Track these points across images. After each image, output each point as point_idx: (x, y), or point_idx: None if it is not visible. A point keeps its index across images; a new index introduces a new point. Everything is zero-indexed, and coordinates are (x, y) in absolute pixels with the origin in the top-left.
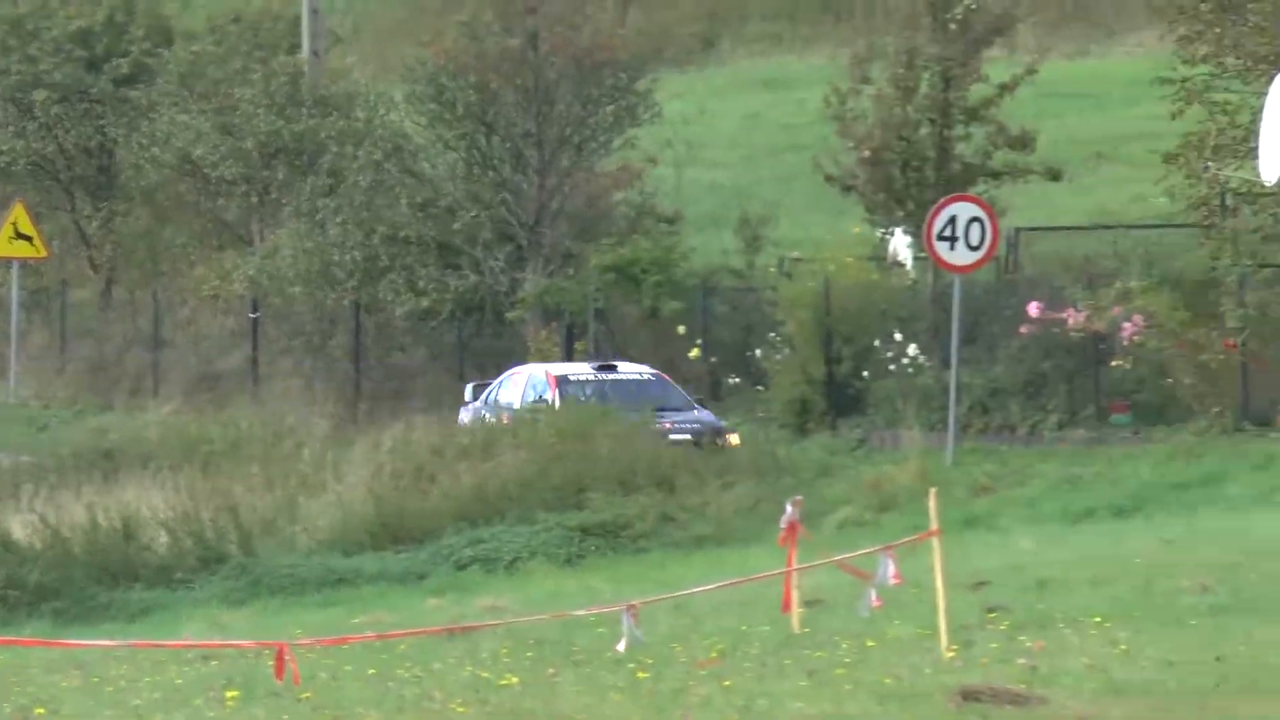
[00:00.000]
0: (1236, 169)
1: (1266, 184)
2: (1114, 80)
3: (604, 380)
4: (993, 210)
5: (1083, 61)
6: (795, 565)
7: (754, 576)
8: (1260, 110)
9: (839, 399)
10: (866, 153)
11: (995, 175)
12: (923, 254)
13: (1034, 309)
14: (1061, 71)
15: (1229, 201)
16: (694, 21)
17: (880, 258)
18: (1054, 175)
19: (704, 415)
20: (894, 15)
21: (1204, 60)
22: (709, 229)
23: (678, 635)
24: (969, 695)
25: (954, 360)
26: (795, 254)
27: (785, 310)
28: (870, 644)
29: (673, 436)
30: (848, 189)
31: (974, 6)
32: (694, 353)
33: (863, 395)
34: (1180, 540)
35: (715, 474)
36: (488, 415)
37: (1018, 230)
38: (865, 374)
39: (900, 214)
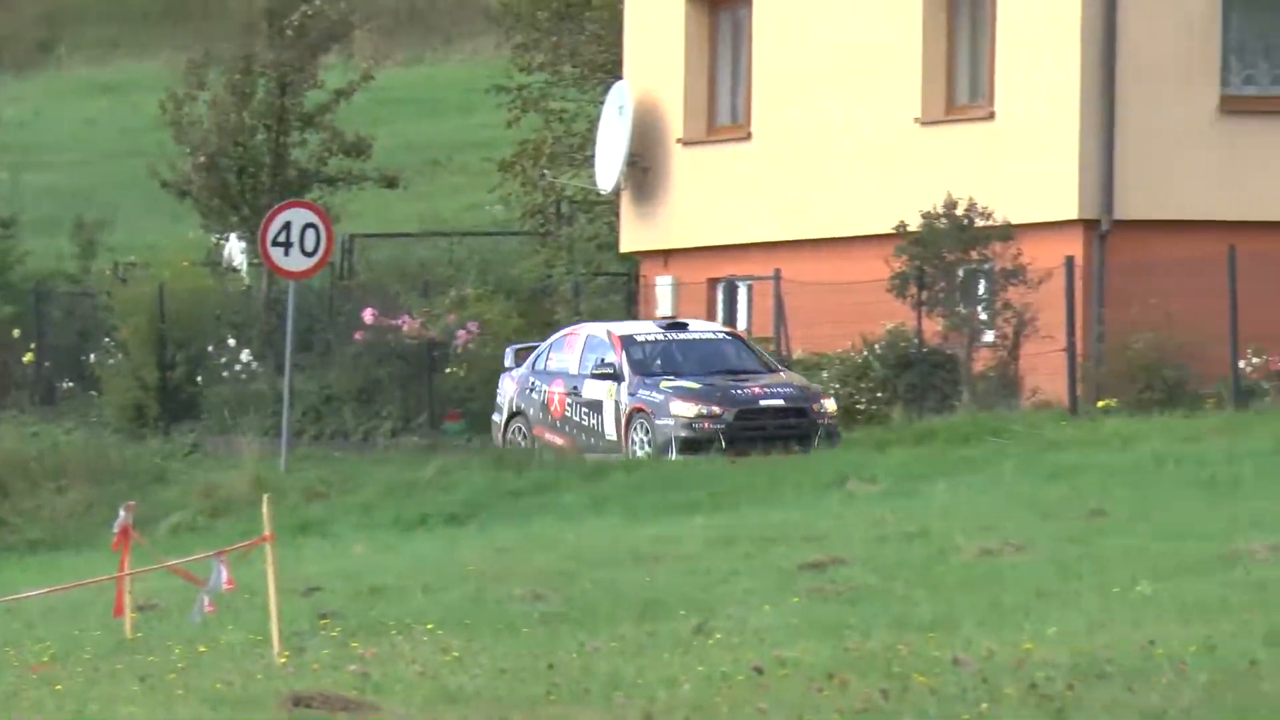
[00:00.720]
0: (572, 177)
1: (602, 192)
2: (450, 87)
3: (672, 340)
4: (328, 216)
5: (418, 68)
6: (128, 570)
7: (87, 581)
8: (597, 119)
9: (173, 404)
10: (202, 158)
11: (331, 181)
12: (257, 259)
13: (369, 315)
14: (398, 78)
15: (564, 209)
16: (31, 25)
17: (216, 263)
18: (389, 182)
19: (795, 379)
20: (231, 21)
21: (541, 68)
22: (45, 233)
23: (10, 639)
24: (300, 701)
25: (287, 366)
26: (131, 259)
27: (120, 315)
28: (203, 649)
29: (764, 403)
30: (183, 194)
31: (310, 13)
32: (28, 357)
33: (197, 401)
34: (513, 548)
35: (49, 477)
36: (536, 383)
37: (353, 237)
38: (199, 379)
39: (235, 219)
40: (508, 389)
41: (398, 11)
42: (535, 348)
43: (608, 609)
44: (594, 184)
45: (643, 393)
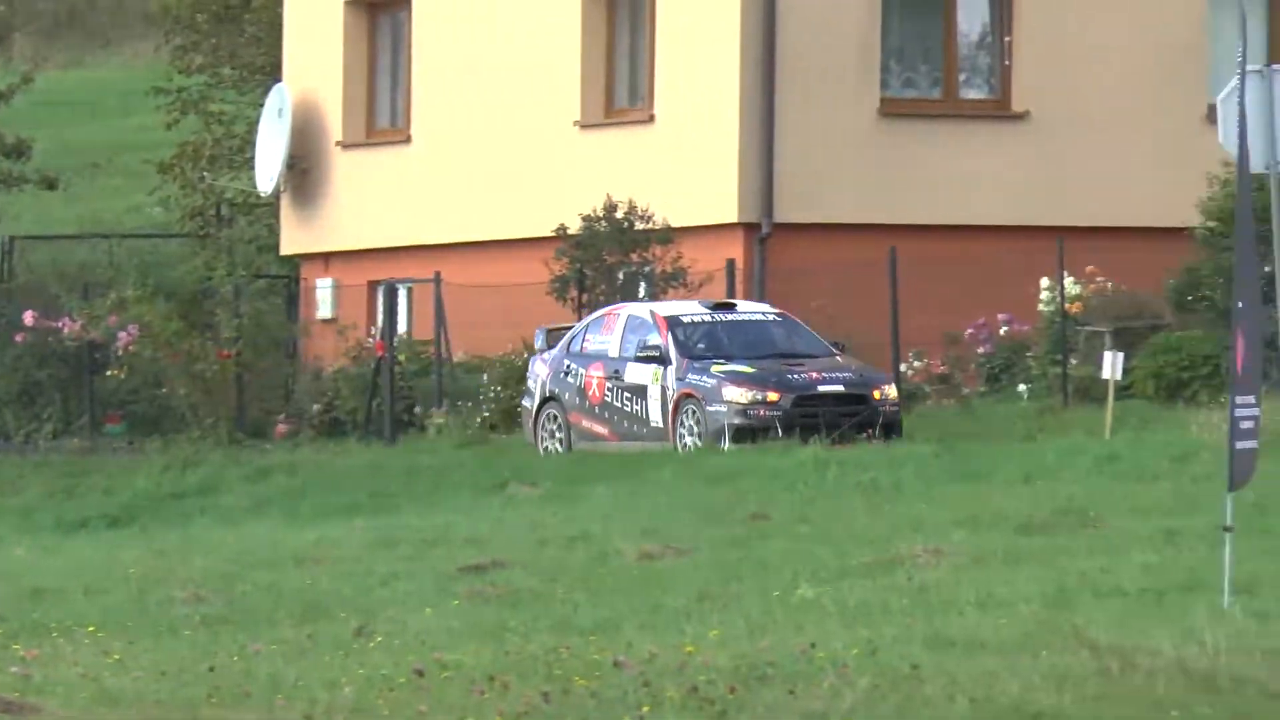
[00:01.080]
0: (232, 179)
1: (261, 194)
2: (110, 90)
3: (719, 321)
4: None
5: (78, 71)
6: None
7: None
8: (257, 121)
9: None
10: None
11: None
12: None
13: (29, 318)
14: (57, 81)
15: (224, 212)
16: None
17: None
18: (49, 184)
19: (854, 363)
20: None
21: (200, 70)
22: None
23: None
24: None
25: None
26: None
27: None
28: None
29: (822, 389)
30: None
31: None
32: None
33: None
34: (174, 550)
35: None
36: (573, 366)
37: (12, 239)
38: None
39: None
40: (540, 373)
41: (57, 14)
42: (568, 329)
43: (269, 611)
44: (254, 186)
45: (692, 377)
